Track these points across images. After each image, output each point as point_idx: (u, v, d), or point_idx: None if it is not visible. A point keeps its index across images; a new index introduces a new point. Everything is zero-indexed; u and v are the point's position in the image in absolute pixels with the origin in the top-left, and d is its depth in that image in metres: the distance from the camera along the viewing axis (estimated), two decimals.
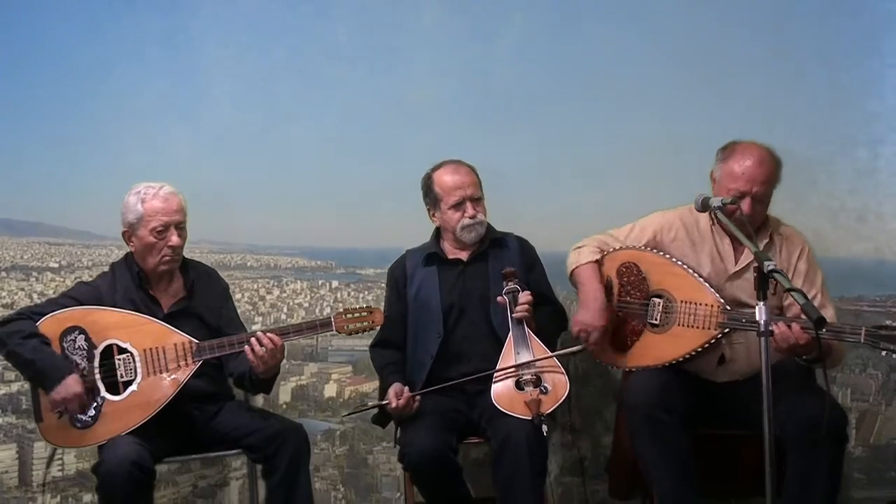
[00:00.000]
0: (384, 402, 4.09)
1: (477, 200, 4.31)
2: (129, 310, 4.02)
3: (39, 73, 5.06)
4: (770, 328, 3.34)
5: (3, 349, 3.88)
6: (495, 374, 3.99)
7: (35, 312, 3.97)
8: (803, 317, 3.44)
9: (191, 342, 3.96)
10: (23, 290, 5.11)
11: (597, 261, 4.27)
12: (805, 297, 3.26)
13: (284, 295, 5.31)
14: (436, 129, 5.08)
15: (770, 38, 5.03)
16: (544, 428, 3.76)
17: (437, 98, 5.10)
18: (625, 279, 4.22)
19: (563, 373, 3.98)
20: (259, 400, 4.76)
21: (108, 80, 5.07)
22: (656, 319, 4.14)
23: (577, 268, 4.28)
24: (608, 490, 4.58)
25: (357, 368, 5.17)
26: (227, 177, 5.08)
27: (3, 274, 5.11)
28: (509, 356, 4.02)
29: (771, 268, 3.28)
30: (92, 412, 3.87)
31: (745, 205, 3.94)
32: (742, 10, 5.03)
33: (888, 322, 3.81)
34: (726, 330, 3.98)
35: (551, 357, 4.02)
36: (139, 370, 3.92)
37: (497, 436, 3.88)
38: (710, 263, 4.15)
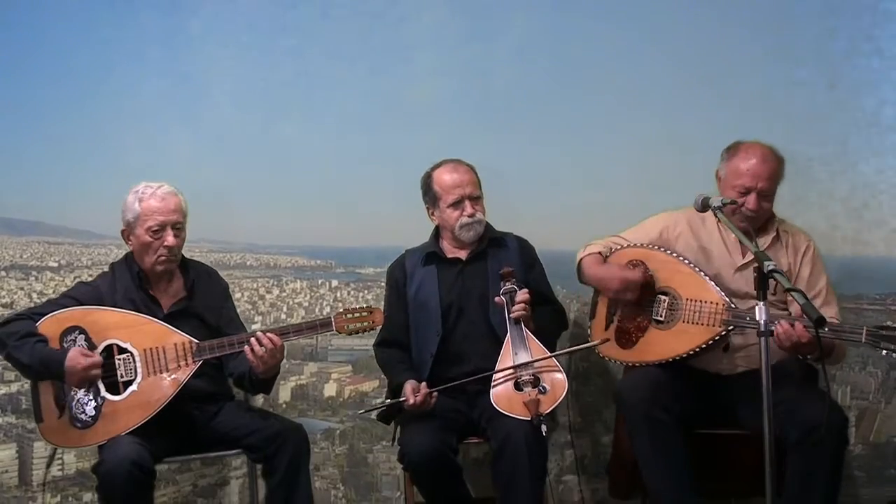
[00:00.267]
0: (402, 399, 4.07)
1: (476, 199, 4.31)
2: (130, 310, 4.02)
3: (39, 73, 5.05)
4: (771, 328, 3.37)
5: (3, 350, 3.88)
6: (493, 377, 3.99)
7: (35, 313, 3.97)
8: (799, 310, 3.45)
9: (191, 342, 3.95)
10: (22, 289, 5.11)
11: (600, 253, 4.34)
12: (805, 296, 3.28)
13: (284, 294, 5.31)
14: (436, 129, 5.07)
15: (770, 37, 5.04)
16: (543, 428, 3.76)
17: (437, 98, 5.10)
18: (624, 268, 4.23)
19: (561, 372, 3.97)
20: (259, 399, 4.76)
21: (107, 80, 5.06)
22: (661, 316, 4.16)
23: (582, 258, 4.37)
24: (608, 490, 4.60)
25: (357, 368, 5.17)
26: (227, 176, 5.07)
27: (3, 273, 5.10)
28: (507, 357, 4.02)
29: (771, 268, 3.30)
30: (92, 412, 3.86)
31: (751, 200, 4.05)
32: (742, 11, 5.03)
33: (889, 322, 3.81)
34: (731, 328, 4.00)
35: (550, 357, 4.01)
36: (139, 370, 3.91)
37: (497, 436, 3.88)
38: (717, 256, 4.22)
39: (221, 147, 5.11)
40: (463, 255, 4.38)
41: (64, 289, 4.52)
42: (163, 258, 4.05)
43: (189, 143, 5.07)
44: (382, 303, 4.49)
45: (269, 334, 3.90)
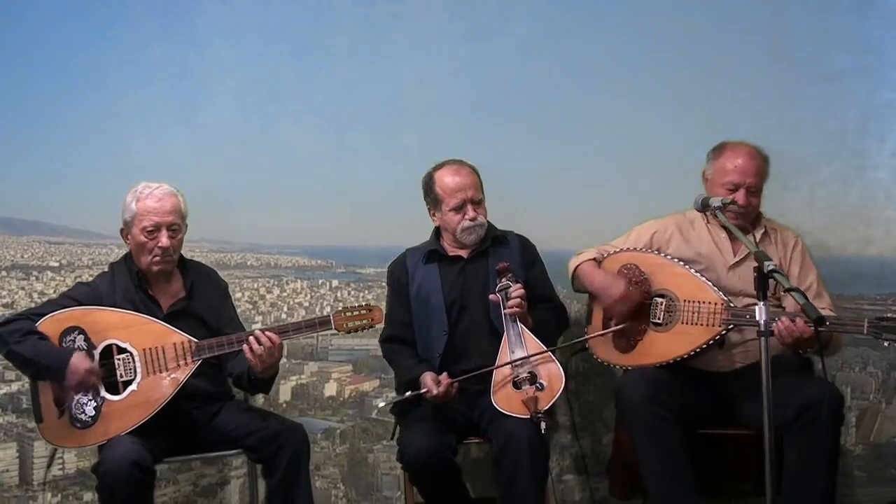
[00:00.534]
0: (424, 391, 4.05)
1: (478, 202, 4.31)
2: (129, 310, 4.02)
3: (39, 72, 5.04)
4: (770, 327, 3.39)
5: (4, 348, 3.88)
6: (494, 381, 4.00)
7: (34, 313, 3.98)
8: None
9: (190, 341, 3.95)
10: (23, 289, 5.11)
11: (595, 259, 4.37)
12: (805, 296, 3.30)
13: (284, 294, 5.31)
14: (436, 129, 5.07)
15: (770, 37, 5.03)
16: (543, 425, 3.76)
17: (437, 98, 5.09)
18: (626, 279, 4.24)
19: (557, 366, 3.98)
20: (259, 399, 4.76)
21: (108, 80, 5.05)
22: (659, 318, 4.18)
23: (577, 266, 4.38)
24: (608, 490, 4.60)
25: (357, 367, 5.17)
26: (227, 176, 5.06)
27: (4, 273, 5.10)
28: (505, 354, 4.03)
29: (771, 268, 3.32)
30: (92, 412, 3.86)
31: (740, 196, 4.10)
32: (743, 10, 5.03)
33: (889, 314, 3.83)
34: (730, 327, 4.03)
35: (546, 352, 4.02)
36: (139, 370, 3.92)
37: (499, 436, 3.88)
38: (708, 256, 4.24)
39: (222, 146, 5.10)
40: (465, 253, 4.37)
41: (64, 289, 4.52)
42: (157, 259, 4.05)
43: (189, 142, 5.07)
44: (383, 303, 4.47)
45: (267, 333, 3.90)
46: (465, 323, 4.28)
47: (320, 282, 5.34)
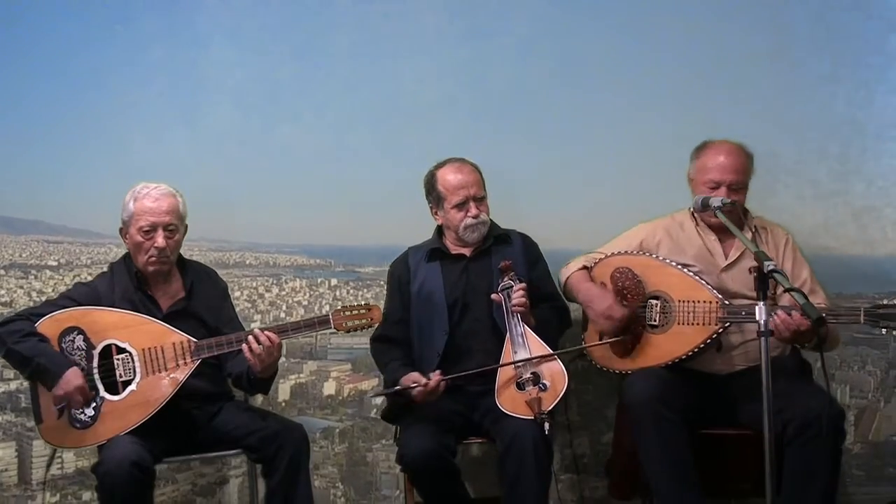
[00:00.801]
0: (413, 385, 4.03)
1: (480, 200, 4.30)
2: (128, 310, 4.02)
3: (39, 72, 5.03)
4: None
5: (3, 348, 3.87)
6: (498, 381, 4.00)
7: (34, 314, 3.97)
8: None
9: (189, 341, 3.95)
10: (21, 288, 5.10)
11: (585, 267, 4.39)
12: (805, 296, 3.34)
13: (283, 293, 5.30)
14: (435, 128, 5.06)
15: (770, 37, 5.04)
16: (546, 426, 3.76)
17: (436, 98, 5.09)
18: (619, 284, 4.25)
19: (560, 366, 3.97)
20: (258, 398, 4.75)
21: (107, 79, 5.04)
22: (655, 320, 4.17)
23: (568, 277, 4.40)
24: (608, 490, 4.61)
25: (356, 366, 5.17)
26: (227, 175, 5.05)
27: (2, 272, 5.10)
28: (508, 354, 4.03)
29: (771, 268, 3.32)
30: (91, 412, 3.86)
31: (721, 194, 4.09)
32: (743, 11, 5.04)
33: (885, 301, 3.84)
34: (727, 324, 4.03)
35: (544, 349, 4.02)
36: (138, 370, 3.92)
37: (503, 437, 3.88)
38: (699, 260, 4.23)
39: (221, 146, 5.09)
40: (467, 251, 4.37)
41: (63, 287, 4.52)
42: (153, 259, 4.04)
43: (189, 141, 5.06)
44: (382, 302, 4.47)
45: (266, 332, 3.90)
46: (467, 322, 4.28)
47: (319, 281, 5.34)
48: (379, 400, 4.64)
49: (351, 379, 5.17)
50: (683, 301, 4.10)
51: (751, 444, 3.67)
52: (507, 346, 4.05)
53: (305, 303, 5.29)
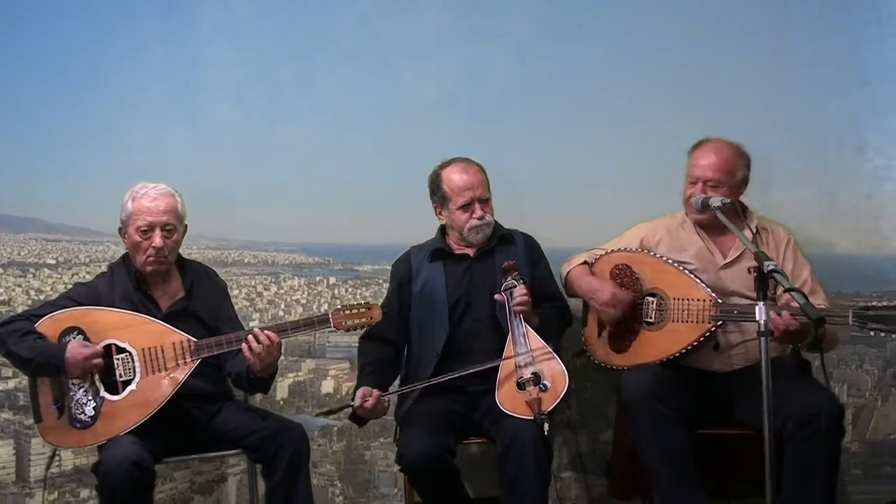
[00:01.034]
0: (351, 404, 4.08)
1: (485, 201, 4.30)
2: (128, 310, 4.01)
3: (39, 71, 5.03)
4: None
5: (3, 349, 3.87)
6: (498, 381, 4.00)
7: (33, 314, 3.97)
8: (794, 304, 3.50)
9: (189, 341, 3.94)
10: (20, 286, 5.10)
11: (586, 262, 4.39)
12: (805, 296, 3.33)
13: (282, 291, 5.31)
14: (435, 128, 5.06)
15: (772, 36, 5.05)
16: (546, 426, 3.76)
17: (436, 97, 5.09)
18: (618, 280, 4.28)
19: (561, 367, 3.97)
20: (257, 396, 4.74)
21: (106, 78, 5.05)
22: (651, 318, 4.19)
23: (569, 272, 4.41)
24: (608, 490, 4.61)
25: (354, 364, 5.08)
26: (225, 173, 5.06)
27: (1, 270, 5.09)
28: (510, 354, 4.03)
29: (771, 268, 3.33)
30: (91, 412, 3.86)
31: (697, 190, 4.15)
32: (743, 11, 5.04)
33: (874, 302, 3.84)
34: (720, 323, 4.04)
35: (544, 347, 4.03)
36: (138, 370, 3.91)
37: (503, 437, 3.88)
38: (698, 258, 4.24)
39: (220, 144, 5.09)
40: (471, 251, 4.37)
41: (61, 286, 4.53)
42: (151, 258, 4.03)
43: (187, 140, 5.06)
44: (380, 300, 4.47)
45: (266, 332, 3.90)
46: (468, 322, 4.28)
47: (318, 279, 5.34)
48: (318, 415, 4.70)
49: (349, 377, 5.16)
50: (678, 299, 4.12)
51: (750, 444, 3.68)
52: (508, 345, 4.05)
53: (304, 301, 5.29)
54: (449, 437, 4.00)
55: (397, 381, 4.37)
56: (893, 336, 3.84)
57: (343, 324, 4.00)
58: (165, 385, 3.91)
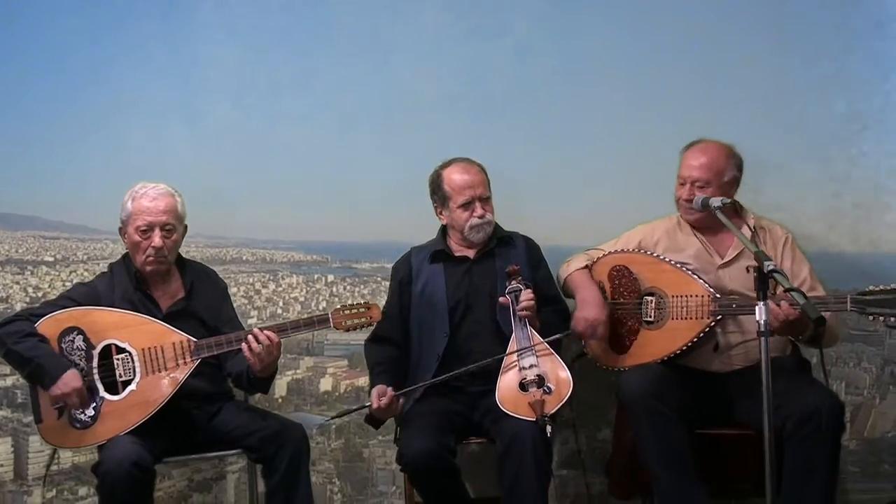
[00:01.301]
0: (367, 405, 4.10)
1: (486, 200, 4.31)
2: (128, 310, 4.02)
3: (39, 69, 5.01)
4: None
5: (3, 349, 3.87)
6: (499, 381, 4.00)
7: (33, 314, 3.97)
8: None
9: (189, 341, 3.95)
10: (17, 283, 5.08)
11: (586, 266, 4.39)
12: (805, 296, 3.34)
13: (280, 289, 5.30)
14: (435, 128, 5.05)
15: (769, 37, 5.05)
16: (548, 429, 3.76)
17: (436, 97, 5.08)
18: (616, 282, 4.30)
19: (566, 372, 3.98)
20: (257, 395, 4.74)
21: (105, 75, 5.03)
22: (650, 317, 4.21)
23: (568, 275, 4.41)
24: (608, 490, 4.62)
25: (353, 362, 5.17)
26: (224, 171, 5.04)
27: None
28: (512, 356, 4.02)
29: (771, 268, 3.34)
30: (91, 412, 3.86)
31: (685, 191, 4.19)
32: (742, 11, 5.04)
33: (871, 287, 3.84)
34: (718, 317, 4.06)
35: (552, 353, 4.03)
36: (138, 370, 3.92)
37: (503, 437, 3.88)
38: (696, 257, 4.25)
39: (219, 142, 5.07)
40: (471, 253, 4.37)
41: (59, 283, 4.52)
42: (150, 258, 4.04)
43: (186, 138, 5.04)
44: (378, 298, 4.48)
45: (266, 332, 3.90)
46: (468, 324, 4.28)
47: (316, 277, 5.33)
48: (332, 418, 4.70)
49: (348, 375, 5.18)
50: (676, 296, 4.14)
51: (750, 444, 3.70)
52: (511, 347, 4.05)
53: (302, 299, 5.28)
54: (449, 436, 4.00)
55: None
56: (893, 319, 3.81)
57: (343, 324, 4.02)
58: (165, 385, 3.92)
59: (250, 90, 5.10)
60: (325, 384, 5.17)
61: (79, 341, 3.91)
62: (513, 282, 4.08)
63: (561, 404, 3.90)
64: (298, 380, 5.18)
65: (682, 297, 4.12)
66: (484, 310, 4.26)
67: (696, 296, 4.08)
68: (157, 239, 4.01)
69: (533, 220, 4.65)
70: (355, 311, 4.05)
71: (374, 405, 4.06)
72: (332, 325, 4.01)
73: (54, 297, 4.25)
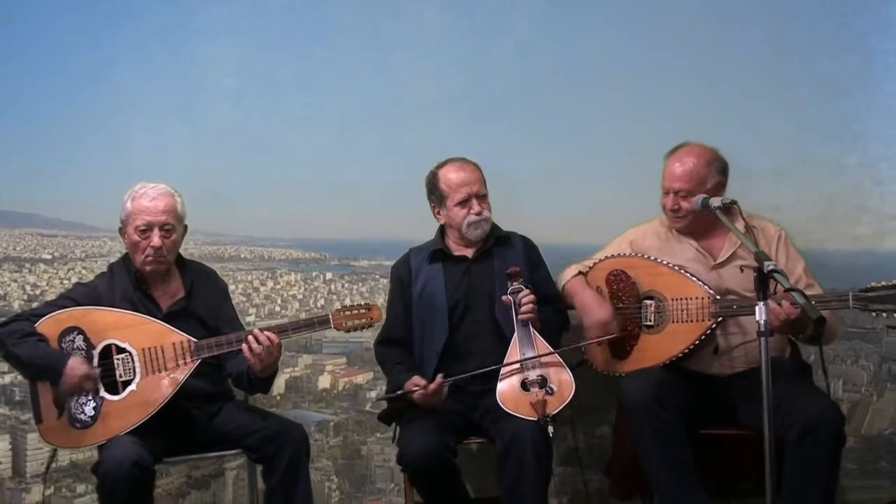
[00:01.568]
0: (415, 389, 4.04)
1: (482, 197, 4.31)
2: (128, 310, 4.01)
3: (38, 68, 5.01)
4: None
5: (2, 350, 3.87)
6: (500, 373, 4.00)
7: (33, 314, 3.97)
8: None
9: (189, 341, 3.95)
10: (15, 281, 5.08)
11: (581, 273, 4.38)
12: (805, 296, 3.32)
13: (278, 287, 5.29)
14: (434, 128, 5.05)
15: (769, 37, 5.05)
16: (550, 429, 3.77)
17: (436, 97, 5.08)
18: (615, 287, 4.29)
19: (568, 373, 3.98)
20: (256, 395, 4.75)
21: (105, 75, 5.02)
22: (650, 321, 4.20)
23: (565, 284, 4.39)
24: (609, 490, 4.61)
25: (351, 360, 5.17)
26: (222, 169, 5.04)
27: None
28: (515, 356, 4.02)
29: (771, 268, 3.33)
30: (91, 412, 3.86)
31: (668, 201, 4.20)
32: (742, 11, 5.04)
33: (872, 283, 3.85)
34: (720, 319, 4.05)
35: (554, 354, 4.03)
36: (138, 370, 3.92)
37: (503, 436, 3.88)
38: (689, 259, 4.24)
39: (218, 141, 5.06)
40: (469, 253, 4.37)
41: (57, 281, 4.51)
42: (150, 258, 4.04)
43: (185, 137, 5.04)
44: (376, 296, 4.48)
45: (266, 332, 3.91)
46: (468, 324, 4.28)
47: (314, 274, 5.33)
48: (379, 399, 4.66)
49: (346, 372, 5.18)
50: (677, 299, 4.13)
51: (751, 445, 3.67)
52: (512, 347, 4.04)
53: (300, 297, 5.28)
54: (449, 436, 4.01)
55: None
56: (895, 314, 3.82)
57: (343, 324, 4.03)
58: (165, 385, 3.92)
59: (250, 90, 5.09)
60: (324, 381, 5.17)
61: (79, 341, 3.91)
62: (514, 283, 4.08)
63: (563, 406, 3.90)
64: (297, 377, 5.18)
65: (681, 299, 4.11)
66: (483, 309, 4.27)
67: (696, 298, 4.07)
68: (156, 239, 4.01)
69: (532, 220, 4.66)
70: (356, 311, 4.06)
71: (424, 389, 4.01)
72: (332, 325, 4.02)
73: (52, 294, 4.27)
